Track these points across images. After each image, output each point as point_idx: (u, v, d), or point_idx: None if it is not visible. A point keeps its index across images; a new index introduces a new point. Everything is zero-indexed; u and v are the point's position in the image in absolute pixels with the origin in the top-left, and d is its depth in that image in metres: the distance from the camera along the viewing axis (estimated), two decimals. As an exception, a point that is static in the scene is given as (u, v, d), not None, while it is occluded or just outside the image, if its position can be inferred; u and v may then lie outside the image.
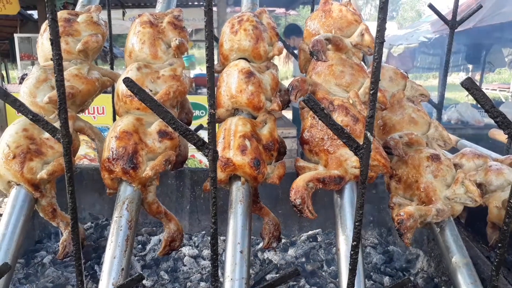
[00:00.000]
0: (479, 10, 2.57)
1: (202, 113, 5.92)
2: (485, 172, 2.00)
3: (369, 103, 1.02)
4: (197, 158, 5.77)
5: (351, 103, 1.56)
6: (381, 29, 0.96)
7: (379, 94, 1.59)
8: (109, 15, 2.35)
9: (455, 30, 2.34)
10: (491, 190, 1.87)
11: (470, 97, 15.47)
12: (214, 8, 8.23)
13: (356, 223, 1.09)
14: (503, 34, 8.06)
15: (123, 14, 8.43)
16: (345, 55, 1.69)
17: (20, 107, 1.05)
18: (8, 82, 11.17)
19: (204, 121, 5.84)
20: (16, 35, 7.93)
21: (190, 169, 2.50)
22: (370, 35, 1.70)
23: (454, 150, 2.76)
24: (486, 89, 13.76)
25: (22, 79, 6.80)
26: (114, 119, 1.86)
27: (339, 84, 1.62)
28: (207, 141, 1.07)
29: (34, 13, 9.40)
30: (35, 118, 1.06)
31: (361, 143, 1.06)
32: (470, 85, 1.03)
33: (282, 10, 10.39)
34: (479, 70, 11.37)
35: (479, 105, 1.05)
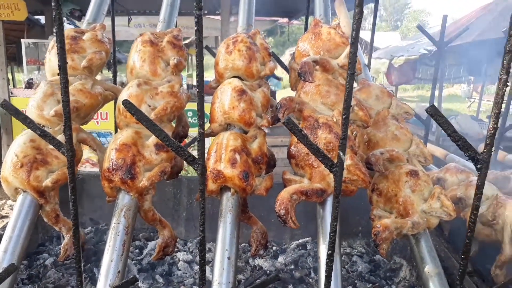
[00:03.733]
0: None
1: (195, 120, 6.04)
2: (466, 187, 2.12)
3: (342, 127, 1.14)
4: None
5: (335, 121, 1.67)
6: (352, 61, 1.08)
7: (361, 113, 1.71)
8: (113, 29, 2.49)
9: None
10: (469, 204, 1.98)
11: (471, 108, 15.58)
12: (218, 17, 8.37)
13: (331, 234, 1.21)
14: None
15: (129, 21, 8.61)
16: (332, 75, 1.81)
17: (30, 124, 1.18)
18: (14, 86, 11.34)
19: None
20: (23, 40, 8.11)
21: (187, 178, 2.62)
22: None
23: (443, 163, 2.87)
24: (488, 100, 13.83)
25: (28, 83, 6.95)
26: (116, 125, 1.97)
27: (325, 103, 1.74)
28: (197, 157, 1.19)
29: (41, 18, 9.59)
30: (43, 134, 1.18)
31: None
32: (433, 112, 1.15)
33: (285, 19, 10.55)
34: (480, 82, 11.46)
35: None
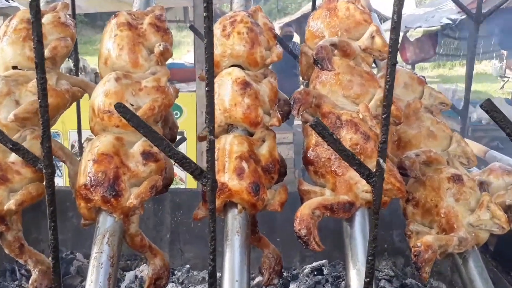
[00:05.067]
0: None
1: (176, 114, 6.05)
2: (516, 192, 2.20)
3: (381, 127, 1.20)
4: (178, 176, 5.90)
5: (361, 118, 1.73)
6: (393, 50, 1.14)
7: (392, 106, 1.77)
8: (73, 7, 2.50)
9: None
10: (523, 213, 2.06)
11: (504, 89, 15.92)
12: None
13: (369, 258, 1.27)
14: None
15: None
16: (353, 61, 1.87)
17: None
18: None
19: (180, 123, 5.96)
20: None
21: (171, 190, 2.65)
22: (381, 37, 1.88)
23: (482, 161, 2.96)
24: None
25: None
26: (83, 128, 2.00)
27: (347, 96, 1.80)
28: (205, 170, 1.23)
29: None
30: (15, 148, 1.21)
31: (372, 163, 1.24)
32: (490, 108, 1.22)
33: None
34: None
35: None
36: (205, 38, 1.10)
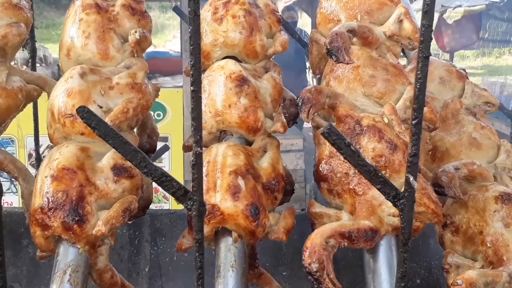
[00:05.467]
0: None
1: (159, 115, 6.01)
2: None
3: (410, 136, 1.18)
4: (161, 193, 5.84)
5: (386, 122, 1.71)
6: (425, 39, 1.12)
7: (425, 108, 1.75)
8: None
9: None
10: None
11: None
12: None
13: (398, 300, 1.25)
14: None
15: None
16: (376, 51, 1.85)
17: None
18: None
19: (162, 127, 5.92)
20: None
21: (150, 212, 2.63)
22: (411, 21, 1.86)
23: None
24: None
25: None
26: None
27: (368, 94, 1.78)
28: (191, 190, 1.21)
29: None
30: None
31: (400, 180, 1.21)
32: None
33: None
34: None
35: None
36: (190, 24, 1.08)
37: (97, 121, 1.13)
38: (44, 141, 2.05)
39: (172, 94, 6.06)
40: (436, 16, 12.08)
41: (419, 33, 1.14)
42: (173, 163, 5.85)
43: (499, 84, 10.45)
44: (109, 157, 1.63)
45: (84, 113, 1.12)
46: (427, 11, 1.10)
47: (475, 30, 11.10)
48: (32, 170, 2.06)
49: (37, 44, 2.40)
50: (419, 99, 1.15)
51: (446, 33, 11.22)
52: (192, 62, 1.11)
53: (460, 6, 10.59)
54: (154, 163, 2.51)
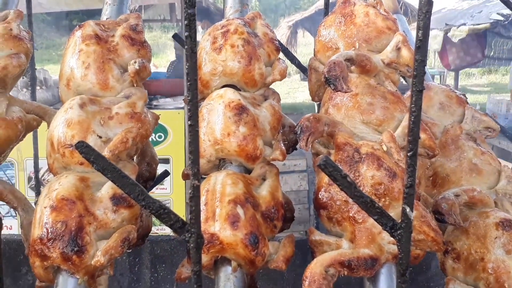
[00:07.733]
0: None
1: (160, 137, 6.02)
2: None
3: (406, 168, 1.21)
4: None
5: (385, 150, 1.74)
6: (418, 73, 1.16)
7: (423, 135, 1.78)
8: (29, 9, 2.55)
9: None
10: None
11: None
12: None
13: (396, 330, 1.27)
14: None
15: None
16: (375, 79, 1.89)
17: None
18: None
19: (164, 148, 5.93)
20: None
21: (150, 238, 2.66)
22: (409, 49, 1.90)
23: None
24: None
25: None
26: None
27: (367, 122, 1.81)
28: (189, 221, 1.24)
29: None
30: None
31: (400, 208, 1.24)
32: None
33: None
34: None
35: None
36: (187, 61, 1.12)
37: (95, 156, 1.17)
38: (44, 164, 2.06)
39: (173, 115, 6.05)
40: (440, 34, 12.16)
41: (413, 67, 1.17)
42: (174, 185, 5.85)
43: (505, 102, 10.47)
44: (108, 187, 1.66)
45: (83, 148, 1.16)
46: (420, 47, 1.14)
47: (480, 48, 11.16)
48: (32, 193, 2.09)
49: (37, 66, 2.44)
50: (413, 132, 1.18)
51: (451, 51, 11.30)
52: (189, 98, 1.15)
53: (464, 24, 10.67)
54: (155, 187, 2.55)
